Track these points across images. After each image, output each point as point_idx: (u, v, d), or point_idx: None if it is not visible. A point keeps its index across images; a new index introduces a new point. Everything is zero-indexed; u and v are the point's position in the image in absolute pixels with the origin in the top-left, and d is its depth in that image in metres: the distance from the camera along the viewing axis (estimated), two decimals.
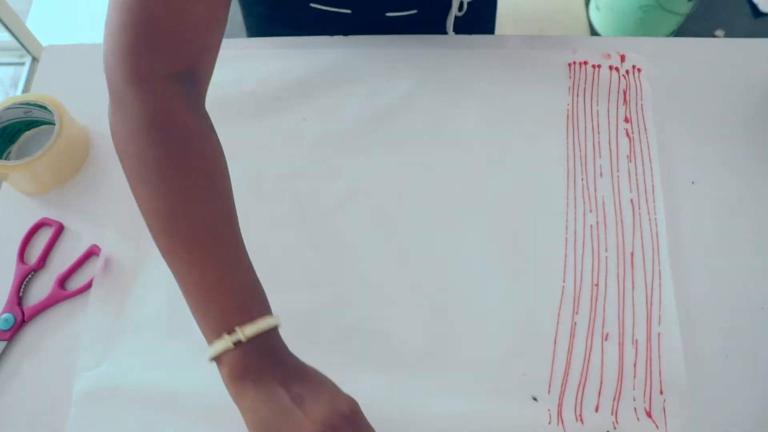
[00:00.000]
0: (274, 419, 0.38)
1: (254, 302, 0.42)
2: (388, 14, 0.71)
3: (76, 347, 0.57)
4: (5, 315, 0.56)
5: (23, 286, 0.58)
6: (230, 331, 0.40)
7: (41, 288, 0.59)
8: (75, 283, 0.60)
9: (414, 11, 0.71)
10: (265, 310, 0.42)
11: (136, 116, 0.42)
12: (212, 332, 0.41)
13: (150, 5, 0.42)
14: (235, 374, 0.40)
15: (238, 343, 0.39)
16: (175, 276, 0.43)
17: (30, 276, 0.59)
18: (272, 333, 0.42)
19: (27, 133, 0.67)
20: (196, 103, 0.45)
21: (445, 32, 0.74)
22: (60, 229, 0.61)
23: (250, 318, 0.40)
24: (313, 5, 0.71)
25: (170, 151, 0.42)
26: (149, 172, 0.43)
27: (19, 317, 0.57)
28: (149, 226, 0.44)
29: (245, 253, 0.44)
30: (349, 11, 0.71)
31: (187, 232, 0.42)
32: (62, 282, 0.59)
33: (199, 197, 0.43)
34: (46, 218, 0.61)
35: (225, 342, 0.39)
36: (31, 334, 0.57)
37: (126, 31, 0.42)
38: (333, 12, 0.71)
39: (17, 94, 1.53)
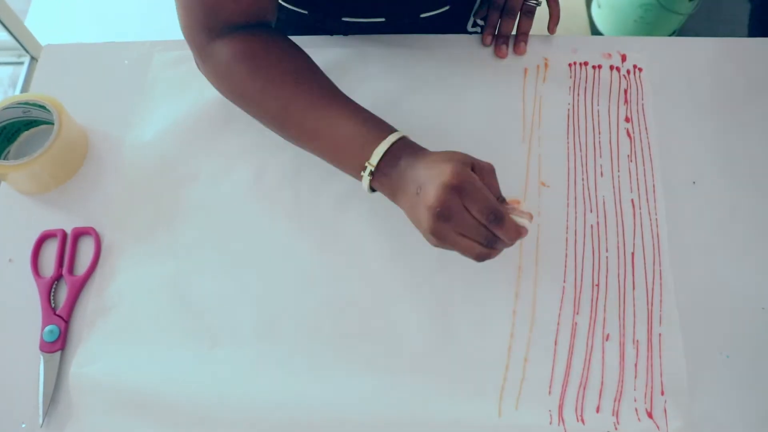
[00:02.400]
0: (412, 213, 0.48)
1: (371, 135, 0.51)
2: (423, 15, 0.71)
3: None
4: (49, 327, 0.57)
5: (52, 297, 0.59)
6: (363, 168, 0.50)
7: (64, 290, 0.59)
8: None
9: (447, 7, 0.71)
10: (380, 136, 0.50)
11: (225, 57, 0.55)
12: (356, 172, 0.52)
13: None
14: (385, 190, 0.51)
15: (374, 171, 0.50)
16: (313, 152, 0.55)
17: (55, 285, 0.59)
18: (396, 148, 0.50)
19: (26, 132, 0.67)
20: (267, 31, 0.57)
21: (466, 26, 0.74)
22: (64, 237, 0.61)
23: (372, 149, 0.50)
24: (345, 19, 0.71)
25: (260, 68, 0.54)
26: (251, 95, 0.55)
27: (62, 325, 0.57)
28: (277, 132, 0.57)
29: (351, 103, 0.55)
30: (383, 20, 0.71)
31: (300, 119, 0.54)
32: (83, 284, 0.59)
33: (296, 88, 0.54)
34: (47, 231, 0.61)
35: (365, 177, 0.51)
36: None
37: (194, 7, 0.54)
38: (366, 23, 0.71)
39: (16, 93, 1.53)
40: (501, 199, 0.48)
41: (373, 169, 0.49)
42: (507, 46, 0.70)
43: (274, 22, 0.59)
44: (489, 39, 0.70)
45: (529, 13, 0.70)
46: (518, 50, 0.70)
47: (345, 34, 0.72)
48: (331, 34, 0.72)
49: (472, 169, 0.46)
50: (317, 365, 0.55)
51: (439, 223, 0.45)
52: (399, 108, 0.67)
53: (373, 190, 0.52)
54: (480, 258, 0.47)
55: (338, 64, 0.70)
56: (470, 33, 0.76)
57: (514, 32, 0.71)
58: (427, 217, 0.45)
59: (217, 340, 0.56)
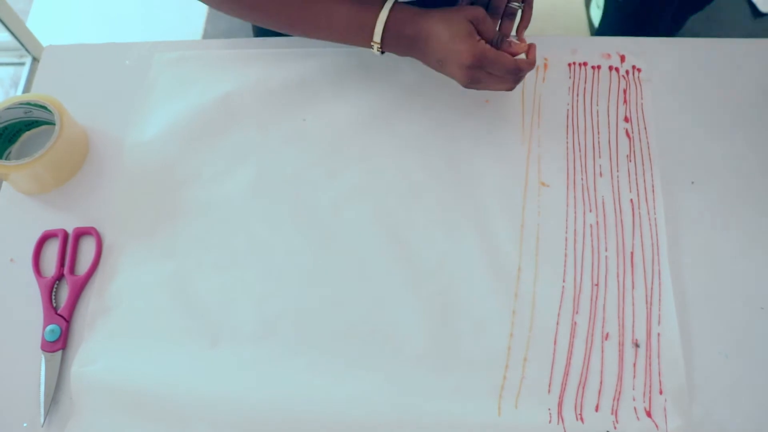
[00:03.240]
0: (439, 69, 0.60)
1: (364, 16, 0.58)
2: None
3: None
4: (50, 327, 0.57)
5: (53, 296, 0.59)
6: (371, 40, 0.58)
7: (65, 290, 0.59)
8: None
9: None
10: (374, 13, 0.57)
11: None
12: (366, 43, 0.59)
13: None
14: (399, 53, 0.60)
15: (382, 43, 0.58)
16: (320, 38, 0.62)
17: (56, 285, 0.60)
18: (393, 21, 0.57)
19: (27, 133, 0.67)
20: None
21: None
22: (65, 237, 0.61)
23: (371, 30, 0.58)
24: None
25: None
26: (257, 5, 0.61)
27: (64, 325, 0.57)
28: (278, 28, 0.63)
29: None
30: None
31: (301, 14, 0.60)
32: (84, 284, 0.60)
33: None
34: (48, 231, 0.62)
35: (375, 49, 0.59)
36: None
37: None
38: None
39: (17, 94, 1.53)
40: (499, 38, 0.59)
41: (380, 47, 0.58)
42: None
43: None
44: None
45: (510, 15, 0.70)
46: None
47: None
48: None
49: (472, 23, 0.56)
50: (317, 364, 0.55)
51: (471, 86, 0.58)
52: (399, 108, 0.67)
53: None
54: (512, 89, 0.60)
55: (339, 64, 0.70)
56: None
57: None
58: (460, 82, 0.58)
59: (218, 340, 0.57)
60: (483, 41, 0.56)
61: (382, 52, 0.60)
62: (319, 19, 0.60)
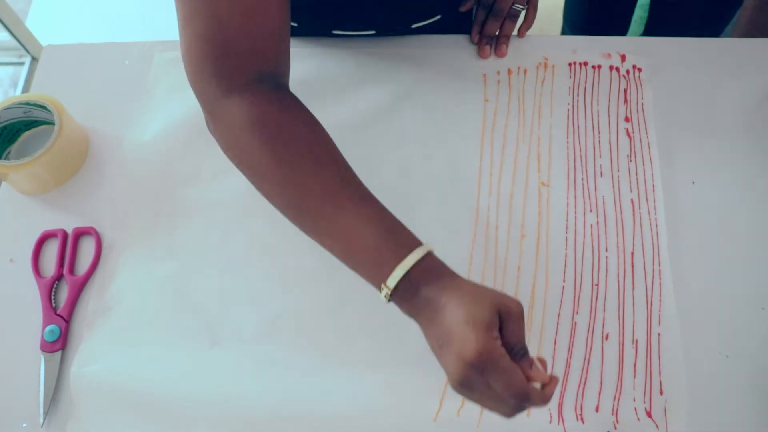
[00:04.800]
0: (437, 355, 0.45)
1: (389, 251, 0.46)
2: (414, 26, 0.71)
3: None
4: (49, 327, 0.57)
5: (52, 296, 0.59)
6: (382, 286, 0.46)
7: (64, 290, 0.59)
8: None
9: (438, 17, 0.71)
10: (400, 254, 0.45)
11: (237, 122, 0.48)
12: (374, 284, 0.47)
13: (223, 31, 0.47)
14: (403, 310, 0.47)
15: (393, 292, 0.45)
16: (328, 250, 0.49)
17: (55, 285, 0.59)
18: (416, 272, 0.45)
19: (26, 133, 0.67)
20: (283, 94, 0.50)
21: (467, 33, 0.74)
22: (65, 237, 0.61)
23: (390, 269, 0.45)
24: (336, 32, 0.70)
25: (275, 146, 0.48)
26: (263, 172, 0.48)
27: (63, 325, 0.57)
28: (284, 215, 0.50)
29: (373, 203, 0.49)
30: (374, 32, 0.71)
31: (316, 213, 0.48)
32: (83, 284, 0.60)
33: (313, 177, 0.48)
34: (47, 231, 0.61)
35: (383, 294, 0.46)
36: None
37: (207, 58, 0.47)
38: (357, 35, 0.71)
39: (17, 93, 1.53)
40: (523, 350, 0.43)
41: (389, 293, 0.45)
42: (491, 46, 0.70)
43: (288, 75, 0.53)
44: (477, 37, 0.71)
45: (513, 16, 0.70)
46: (499, 52, 0.70)
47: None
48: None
49: (500, 316, 0.43)
50: (317, 365, 0.55)
51: (461, 390, 0.43)
52: (399, 108, 0.67)
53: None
54: (507, 416, 0.44)
55: (338, 64, 0.70)
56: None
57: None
58: (450, 378, 0.43)
59: (217, 340, 0.56)
60: (499, 341, 0.42)
61: (389, 300, 0.46)
62: (337, 232, 0.48)
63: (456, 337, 0.42)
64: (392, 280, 0.45)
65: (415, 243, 0.47)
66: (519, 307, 0.43)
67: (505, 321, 0.43)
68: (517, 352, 0.43)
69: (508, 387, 0.41)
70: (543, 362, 0.44)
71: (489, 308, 0.42)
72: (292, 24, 0.71)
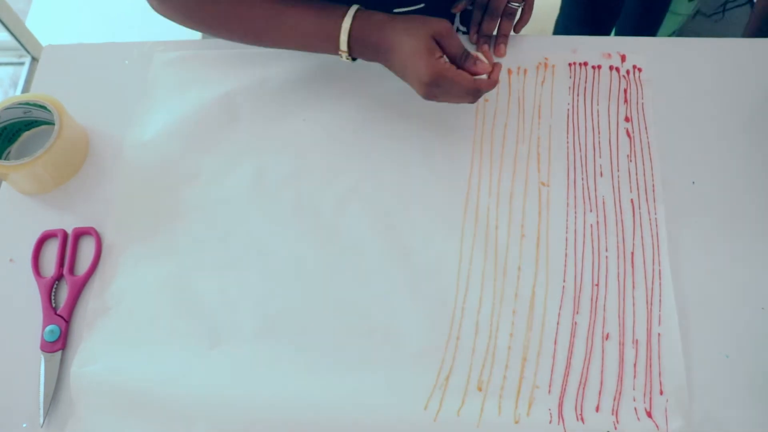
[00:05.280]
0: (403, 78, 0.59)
1: (329, 24, 0.57)
2: (396, 10, 0.70)
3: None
4: (50, 327, 0.57)
5: (52, 296, 0.59)
6: (340, 53, 0.58)
7: (64, 290, 0.59)
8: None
9: (422, 5, 0.71)
10: (337, 23, 0.57)
11: None
12: (335, 52, 0.59)
13: None
14: (368, 59, 0.60)
15: (349, 54, 0.58)
16: (292, 48, 0.63)
17: (55, 285, 0.59)
18: (357, 28, 0.57)
19: (27, 133, 0.67)
20: None
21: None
22: (65, 237, 0.61)
23: (338, 37, 0.57)
24: None
25: None
26: (215, 22, 0.61)
27: (63, 325, 0.57)
28: (252, 44, 0.63)
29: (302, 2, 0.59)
30: (357, 7, 0.70)
31: (267, 30, 0.60)
32: (83, 284, 0.60)
33: (251, 5, 0.59)
34: (48, 231, 0.61)
35: (344, 58, 0.59)
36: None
37: None
38: None
39: (17, 94, 1.53)
40: (464, 55, 0.57)
41: (347, 56, 0.58)
42: (489, 46, 0.70)
43: None
44: (474, 37, 0.71)
45: (510, 14, 0.70)
46: (498, 52, 0.70)
47: None
48: None
49: (435, 38, 0.55)
50: (317, 364, 0.55)
51: (431, 99, 0.57)
52: (399, 107, 0.67)
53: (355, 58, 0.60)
54: (472, 102, 0.59)
55: (339, 64, 0.70)
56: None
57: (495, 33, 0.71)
58: (418, 93, 0.57)
59: (217, 340, 0.56)
60: (443, 59, 0.55)
61: (354, 59, 0.59)
62: (287, 29, 0.59)
63: (410, 68, 0.55)
64: (342, 44, 0.57)
65: (344, 10, 0.57)
66: (447, 25, 0.56)
67: (440, 41, 0.56)
68: (460, 57, 0.57)
69: (460, 88, 0.56)
70: (486, 53, 0.59)
71: (424, 37, 0.55)
72: None
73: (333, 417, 0.53)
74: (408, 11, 0.71)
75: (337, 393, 0.54)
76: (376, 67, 0.69)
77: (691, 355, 0.55)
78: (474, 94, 0.57)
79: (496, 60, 0.69)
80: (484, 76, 0.58)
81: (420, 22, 0.56)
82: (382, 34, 0.56)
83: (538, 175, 0.63)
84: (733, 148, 0.65)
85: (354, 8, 0.57)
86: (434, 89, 0.56)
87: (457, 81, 0.55)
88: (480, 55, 0.58)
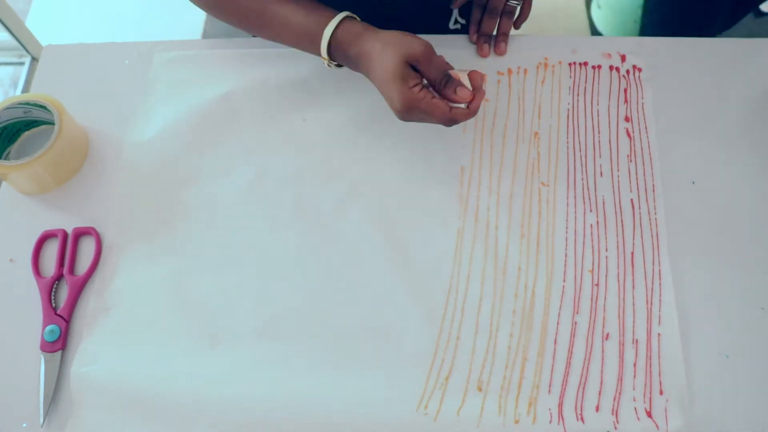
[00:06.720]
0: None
1: (317, 27, 0.56)
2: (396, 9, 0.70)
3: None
4: (49, 327, 0.57)
5: (52, 296, 0.59)
6: (323, 57, 0.57)
7: (64, 290, 0.59)
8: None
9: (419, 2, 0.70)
10: (324, 25, 0.56)
11: None
12: (319, 55, 0.57)
13: None
14: (349, 66, 0.58)
15: (330, 59, 0.57)
16: (283, 43, 0.61)
17: (55, 285, 0.59)
18: (338, 38, 0.56)
19: (26, 133, 0.67)
20: None
21: (447, 20, 0.74)
22: (65, 237, 0.61)
23: (321, 34, 0.55)
24: None
25: None
26: (224, 10, 0.62)
27: (63, 325, 0.57)
28: (253, 34, 0.66)
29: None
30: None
31: (263, 22, 0.60)
32: (83, 284, 0.60)
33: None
34: (47, 231, 0.61)
35: (326, 63, 0.58)
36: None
37: None
38: None
39: (17, 93, 1.53)
40: (444, 79, 0.53)
41: (329, 63, 0.57)
42: (489, 45, 0.70)
43: None
44: (474, 37, 0.71)
45: (509, 13, 0.70)
46: (498, 50, 0.70)
47: None
48: None
49: (411, 63, 0.52)
50: (317, 364, 0.55)
51: (406, 121, 0.55)
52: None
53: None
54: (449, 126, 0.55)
55: (326, 68, 0.70)
56: (452, 30, 0.76)
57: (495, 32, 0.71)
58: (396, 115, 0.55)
59: (217, 340, 0.56)
60: (417, 87, 0.52)
61: (338, 66, 0.58)
62: (276, 26, 0.59)
63: (385, 93, 0.53)
64: (323, 51, 0.56)
65: (331, 15, 0.56)
66: (425, 48, 0.52)
67: (417, 65, 0.52)
68: (439, 82, 0.53)
69: (434, 118, 0.53)
70: (476, 76, 0.54)
71: (398, 63, 0.51)
72: None
73: (332, 417, 0.53)
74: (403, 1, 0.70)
75: (336, 393, 0.54)
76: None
77: (691, 355, 0.55)
78: (446, 123, 0.54)
79: (500, 54, 0.69)
80: (463, 105, 0.53)
81: (397, 44, 0.52)
82: (361, 49, 0.54)
83: (538, 175, 0.63)
84: (733, 148, 0.65)
85: (341, 16, 0.56)
86: (407, 115, 0.53)
87: (430, 112, 0.52)
88: (464, 79, 0.53)
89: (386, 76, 0.52)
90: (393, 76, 0.51)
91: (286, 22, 0.58)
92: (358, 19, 0.57)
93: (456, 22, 0.76)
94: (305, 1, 0.58)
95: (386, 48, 0.52)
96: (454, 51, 0.70)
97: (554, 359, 0.55)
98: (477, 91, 0.54)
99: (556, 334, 0.56)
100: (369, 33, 0.54)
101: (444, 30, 0.75)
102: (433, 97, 0.52)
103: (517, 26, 0.71)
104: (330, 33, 0.55)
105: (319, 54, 0.58)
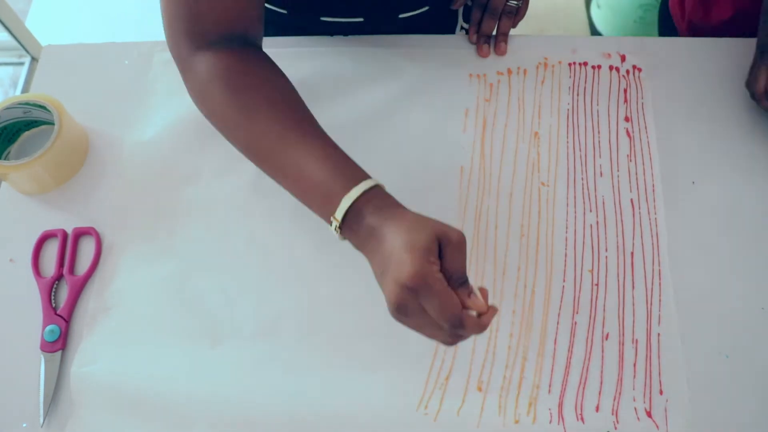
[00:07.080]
0: (379, 282, 0.44)
1: (336, 185, 0.46)
2: (402, 16, 0.71)
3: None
4: (49, 327, 0.57)
5: (52, 296, 0.59)
6: (332, 219, 0.46)
7: (64, 290, 0.59)
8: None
9: (426, 8, 0.71)
10: (346, 188, 0.46)
11: (204, 75, 0.51)
12: (326, 220, 0.47)
13: None
14: (353, 243, 0.47)
15: (342, 224, 0.46)
16: (284, 187, 0.51)
17: (55, 286, 0.59)
18: (361, 203, 0.45)
19: (26, 133, 0.67)
20: (249, 49, 0.54)
21: (454, 29, 0.74)
22: (65, 237, 0.61)
23: (337, 202, 0.46)
24: (324, 18, 0.71)
25: (236, 94, 0.51)
26: (226, 120, 0.52)
27: (63, 325, 0.57)
28: (249, 159, 0.52)
29: (324, 141, 0.50)
30: (361, 19, 0.71)
31: (271, 153, 0.50)
32: (83, 284, 0.59)
33: (268, 120, 0.50)
34: (47, 231, 0.61)
35: (333, 227, 0.46)
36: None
37: (180, 19, 0.52)
38: (345, 22, 0.71)
39: (16, 94, 1.53)
40: (462, 279, 0.43)
41: (338, 225, 0.46)
42: (489, 45, 0.70)
43: (261, 38, 0.56)
44: (474, 37, 0.71)
45: (509, 13, 0.70)
46: (498, 51, 0.70)
47: (323, 34, 0.72)
48: (310, 34, 0.72)
49: (440, 243, 0.42)
50: (317, 364, 0.55)
51: (398, 316, 0.43)
52: (400, 107, 0.67)
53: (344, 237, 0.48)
54: (446, 344, 0.45)
55: (339, 64, 0.70)
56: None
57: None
58: (388, 303, 0.43)
59: (218, 340, 0.56)
60: (436, 267, 0.42)
61: (339, 233, 0.47)
62: (290, 169, 0.49)
63: (394, 261, 0.42)
64: (339, 212, 0.45)
65: (363, 176, 0.47)
66: (460, 236, 0.43)
67: (444, 248, 0.43)
68: (456, 279, 0.43)
69: (442, 310, 0.41)
70: (484, 292, 0.44)
71: (428, 234, 0.42)
72: (281, 11, 0.71)
73: (332, 416, 0.53)
74: (413, 16, 0.71)
75: (337, 392, 0.54)
76: (377, 68, 0.70)
77: (691, 355, 0.55)
78: (452, 323, 0.41)
79: (500, 54, 0.68)
80: (474, 313, 0.43)
81: (434, 220, 0.44)
82: (383, 217, 0.44)
83: (538, 175, 0.63)
84: (733, 148, 0.65)
85: (372, 180, 0.47)
86: (411, 298, 0.41)
87: (443, 298, 0.41)
88: (477, 292, 0.44)
89: (407, 243, 0.42)
90: (415, 245, 0.41)
91: (303, 166, 0.48)
92: (385, 188, 0.48)
93: (461, 28, 0.77)
94: (336, 153, 0.49)
95: (421, 220, 0.44)
96: (455, 51, 0.71)
97: (554, 359, 0.55)
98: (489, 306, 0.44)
99: (556, 334, 0.56)
100: (397, 206, 0.46)
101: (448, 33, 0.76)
102: (448, 285, 0.42)
103: (514, 25, 0.71)
104: (358, 194, 0.45)
105: (324, 214, 0.47)
